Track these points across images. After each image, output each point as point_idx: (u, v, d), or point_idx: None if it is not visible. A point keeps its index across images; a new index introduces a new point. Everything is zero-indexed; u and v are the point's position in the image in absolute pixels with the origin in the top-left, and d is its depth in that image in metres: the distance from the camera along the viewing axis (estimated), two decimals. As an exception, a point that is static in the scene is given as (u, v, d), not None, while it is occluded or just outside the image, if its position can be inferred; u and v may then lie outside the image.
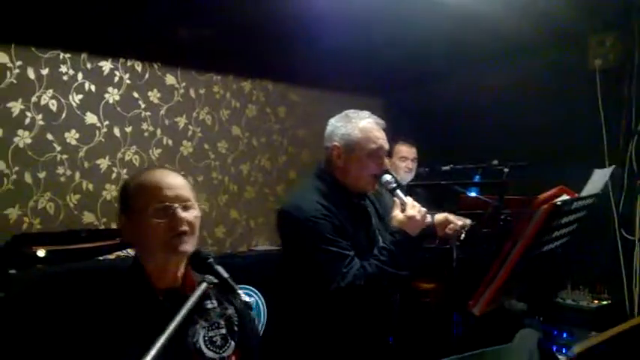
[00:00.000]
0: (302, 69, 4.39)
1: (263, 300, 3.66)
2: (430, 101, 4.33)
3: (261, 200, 4.42)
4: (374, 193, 2.28)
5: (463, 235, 3.11)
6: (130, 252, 3.18)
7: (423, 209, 2.00)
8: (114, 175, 3.63)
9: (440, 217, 2.24)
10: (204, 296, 1.57)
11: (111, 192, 3.58)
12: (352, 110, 2.16)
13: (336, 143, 2.08)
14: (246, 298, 1.39)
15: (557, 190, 1.62)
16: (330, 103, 4.70)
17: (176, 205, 1.49)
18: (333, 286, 1.86)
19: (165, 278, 1.53)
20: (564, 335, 3.31)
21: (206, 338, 1.55)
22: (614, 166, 1.88)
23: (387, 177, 2.07)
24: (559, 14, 3.35)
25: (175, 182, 1.54)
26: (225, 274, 1.42)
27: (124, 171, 3.67)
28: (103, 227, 3.52)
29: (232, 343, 1.60)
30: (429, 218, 2.04)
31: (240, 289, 3.51)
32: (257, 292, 3.63)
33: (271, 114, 4.53)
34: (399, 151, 3.81)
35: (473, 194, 3.57)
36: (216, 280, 1.42)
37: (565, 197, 1.62)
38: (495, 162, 3.43)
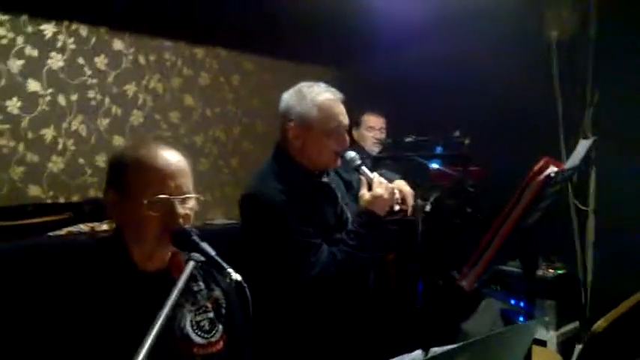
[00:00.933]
0: (256, 36, 4.24)
1: (221, 275, 3.56)
2: (388, 71, 4.28)
3: (215, 173, 4.27)
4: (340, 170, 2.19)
5: (428, 207, 3.14)
6: (83, 227, 3.02)
7: (391, 185, 1.94)
8: (60, 147, 3.39)
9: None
10: (190, 278, 1.47)
11: (57, 164, 3.36)
12: (306, 84, 2.02)
13: (291, 123, 1.96)
14: (237, 277, 1.29)
15: (545, 162, 1.60)
16: (285, 72, 4.59)
17: (175, 199, 1.38)
18: (304, 277, 1.80)
19: (151, 260, 1.43)
20: (522, 304, 3.40)
21: (193, 323, 1.46)
22: (595, 137, 1.88)
23: (351, 154, 1.99)
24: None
25: (178, 168, 1.42)
26: (212, 252, 1.32)
27: (71, 142, 3.44)
28: (50, 201, 3.30)
29: (220, 327, 1.51)
30: (397, 194, 1.96)
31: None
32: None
33: (225, 83, 4.36)
34: (366, 120, 3.75)
35: (435, 166, 3.58)
36: (203, 259, 1.31)
37: (554, 169, 1.61)
38: (457, 133, 3.43)
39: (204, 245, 1.33)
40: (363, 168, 1.98)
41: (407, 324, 3.13)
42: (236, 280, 1.30)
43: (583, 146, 1.78)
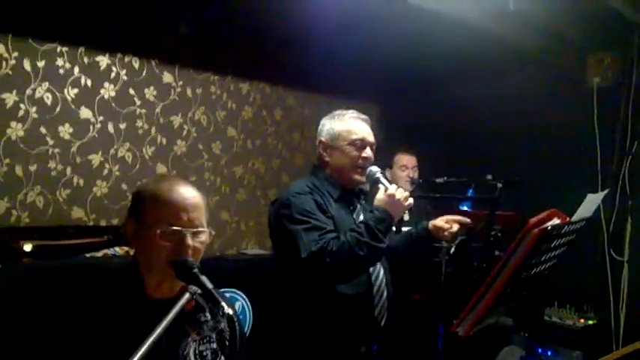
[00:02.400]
0: (300, 72, 4.39)
1: (249, 304, 3.64)
2: (427, 111, 4.33)
3: (252, 203, 4.40)
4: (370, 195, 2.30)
5: (453, 249, 3.13)
6: (118, 250, 3.17)
7: (406, 192, 2.06)
8: (105, 172, 3.59)
9: (439, 220, 2.34)
10: (198, 308, 1.56)
11: (101, 188, 3.55)
12: (340, 109, 2.27)
13: (322, 138, 2.20)
14: (230, 311, 1.37)
15: (549, 214, 1.62)
16: (326, 107, 4.68)
17: (187, 231, 1.46)
18: (305, 253, 1.91)
19: (160, 289, 1.50)
20: (549, 353, 3.31)
21: (197, 352, 1.53)
22: (607, 190, 1.87)
23: (373, 168, 2.15)
24: (560, 31, 3.37)
25: (191, 201, 1.49)
26: (210, 285, 1.39)
27: (116, 167, 3.64)
28: (92, 224, 3.48)
29: (222, 358, 1.57)
30: (410, 200, 2.07)
31: (227, 292, 3.50)
32: (243, 295, 3.60)
33: (267, 116, 4.51)
34: (399, 160, 3.80)
35: (465, 208, 3.58)
36: (200, 291, 1.39)
37: (556, 221, 1.62)
38: (489, 177, 3.40)
39: (204, 278, 1.40)
40: (383, 179, 2.11)
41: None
42: (228, 314, 1.37)
43: (592, 199, 1.78)
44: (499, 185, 3.35)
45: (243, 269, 3.71)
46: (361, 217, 2.20)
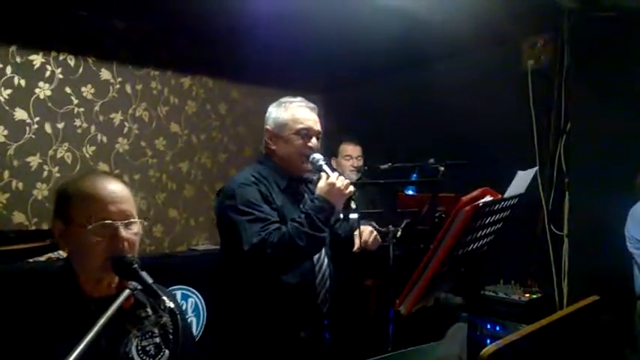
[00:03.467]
0: (242, 65, 4.36)
1: (203, 301, 3.62)
2: (370, 100, 4.38)
3: (201, 198, 4.36)
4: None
5: (399, 233, 3.19)
6: (62, 253, 3.09)
7: (347, 180, 2.08)
8: (45, 174, 3.50)
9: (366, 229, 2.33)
10: (138, 304, 1.54)
11: (42, 191, 3.46)
12: (287, 97, 2.25)
13: (268, 127, 2.19)
14: (171, 304, 1.36)
15: (481, 192, 1.67)
16: (271, 99, 4.67)
17: (118, 223, 1.43)
18: (247, 245, 1.92)
19: (98, 287, 1.47)
20: (497, 328, 3.42)
21: (139, 348, 1.51)
22: (536, 167, 1.94)
23: (316, 155, 2.14)
24: (494, 17, 3.44)
25: (119, 194, 1.47)
26: (150, 280, 1.38)
27: (56, 169, 3.54)
28: (33, 228, 3.39)
29: (166, 352, 1.56)
30: (351, 188, 2.08)
31: (178, 289, 3.47)
32: (196, 292, 3.58)
33: (211, 111, 4.47)
34: (343, 149, 3.84)
35: (410, 192, 3.65)
36: (140, 287, 1.38)
37: (488, 198, 1.67)
38: (432, 160, 3.48)
39: (144, 274, 1.39)
40: (325, 167, 2.11)
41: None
42: (169, 308, 1.36)
43: (522, 176, 1.84)
44: (441, 168, 3.44)
45: (194, 266, 3.69)
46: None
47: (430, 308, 3.37)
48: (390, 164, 3.61)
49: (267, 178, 2.12)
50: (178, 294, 3.48)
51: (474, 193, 1.63)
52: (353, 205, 3.20)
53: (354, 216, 2.71)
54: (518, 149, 3.73)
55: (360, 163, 3.80)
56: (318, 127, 2.21)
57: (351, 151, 3.78)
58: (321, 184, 2.04)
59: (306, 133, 2.14)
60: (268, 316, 2.06)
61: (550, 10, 3.51)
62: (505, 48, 3.90)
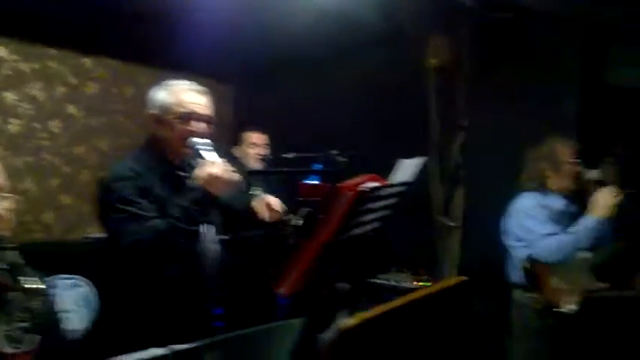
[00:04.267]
0: (153, 50, 4.19)
1: (95, 290, 3.46)
2: (278, 91, 4.37)
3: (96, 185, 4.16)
4: None
5: (301, 222, 3.21)
6: None
7: (230, 168, 1.97)
8: None
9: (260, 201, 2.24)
10: (3, 287, 1.45)
11: None
12: (174, 80, 2.12)
13: (151, 111, 2.06)
14: (37, 286, 1.29)
15: (367, 178, 1.70)
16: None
17: None
18: (123, 245, 1.85)
19: None
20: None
21: (4, 333, 1.42)
22: (424, 157, 2.01)
23: (196, 139, 2.02)
24: (400, 14, 3.53)
25: None
26: (20, 261, 1.31)
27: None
28: None
29: (36, 336, 1.48)
30: (236, 177, 1.98)
31: (67, 279, 3.30)
32: (88, 281, 3.43)
33: (117, 94, 4.29)
34: (248, 137, 3.79)
35: (314, 182, 3.68)
36: (6, 267, 1.30)
37: (373, 184, 1.71)
38: (335, 151, 3.53)
39: (10, 254, 1.31)
40: (204, 152, 2.00)
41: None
42: (37, 288, 1.29)
43: (407, 165, 1.90)
44: (344, 159, 3.50)
45: (87, 255, 3.53)
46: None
47: (324, 295, 3.44)
48: (294, 154, 3.63)
49: (148, 166, 2.00)
50: (68, 283, 3.32)
51: (359, 179, 1.66)
52: (257, 192, 3.15)
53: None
54: (419, 143, 3.83)
55: (266, 151, 3.77)
56: (206, 111, 2.07)
57: (257, 139, 3.74)
58: (199, 172, 1.93)
59: (191, 117, 2.02)
60: (155, 307, 1.99)
61: (451, 10, 3.64)
62: (409, 44, 3.99)
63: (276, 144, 3.87)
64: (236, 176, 1.96)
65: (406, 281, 3.62)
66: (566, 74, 3.34)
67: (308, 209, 3.17)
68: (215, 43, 4.07)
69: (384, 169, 3.43)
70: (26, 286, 1.27)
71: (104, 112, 4.22)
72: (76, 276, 3.35)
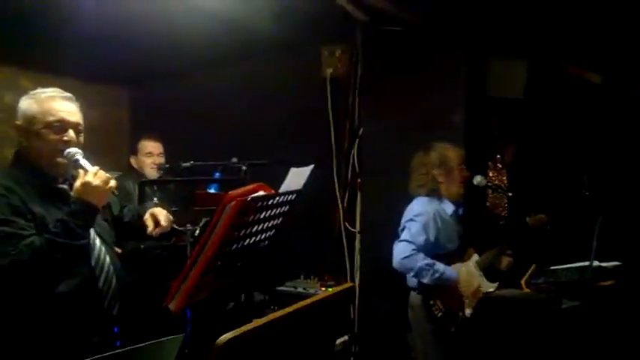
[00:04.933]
0: (37, 51, 3.97)
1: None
2: (174, 97, 4.30)
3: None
4: None
5: (198, 232, 3.17)
6: None
7: (108, 175, 1.94)
8: None
9: (148, 214, 2.21)
10: None
11: None
12: (39, 88, 2.05)
13: (17, 122, 1.98)
14: None
15: (254, 187, 1.72)
16: (70, 91, 4.35)
17: None
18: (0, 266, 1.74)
19: None
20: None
21: None
22: (312, 165, 2.05)
23: (72, 149, 1.96)
24: (296, 24, 3.58)
25: None
26: None
27: None
28: None
29: None
30: (112, 183, 1.94)
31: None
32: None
33: (-4, 100, 4.03)
34: (144, 146, 3.72)
35: (212, 190, 3.64)
36: None
37: (261, 193, 1.72)
38: (235, 160, 3.52)
39: None
40: (83, 162, 1.95)
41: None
42: None
43: (296, 173, 1.94)
44: (244, 167, 3.50)
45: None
46: None
47: (234, 307, 3.42)
48: (192, 162, 3.58)
49: (21, 182, 1.90)
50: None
51: (246, 188, 1.67)
52: (155, 200, 3.06)
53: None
54: (318, 151, 3.92)
55: (162, 160, 3.71)
56: (74, 118, 2.00)
57: (152, 148, 3.68)
58: (77, 184, 1.88)
59: (60, 126, 1.94)
60: (47, 328, 1.89)
61: (345, 22, 3.74)
62: (308, 54, 4.07)
63: (175, 152, 3.81)
64: (113, 182, 1.92)
65: (313, 288, 3.68)
66: (452, 85, 3.53)
67: (207, 219, 3.13)
68: (106, 46, 3.93)
69: (285, 177, 3.47)
70: None
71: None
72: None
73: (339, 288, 1.53)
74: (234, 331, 1.06)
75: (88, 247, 1.98)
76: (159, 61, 4.22)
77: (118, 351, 1.01)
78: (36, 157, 1.95)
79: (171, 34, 3.65)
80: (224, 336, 1.05)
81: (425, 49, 3.58)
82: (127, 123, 4.70)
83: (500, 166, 4.05)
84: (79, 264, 1.94)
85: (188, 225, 3.05)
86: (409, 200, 3.19)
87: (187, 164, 3.55)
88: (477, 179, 3.17)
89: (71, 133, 1.97)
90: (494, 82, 3.79)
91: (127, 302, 2.25)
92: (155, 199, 3.46)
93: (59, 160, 1.95)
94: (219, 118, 4.14)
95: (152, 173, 3.63)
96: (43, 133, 1.92)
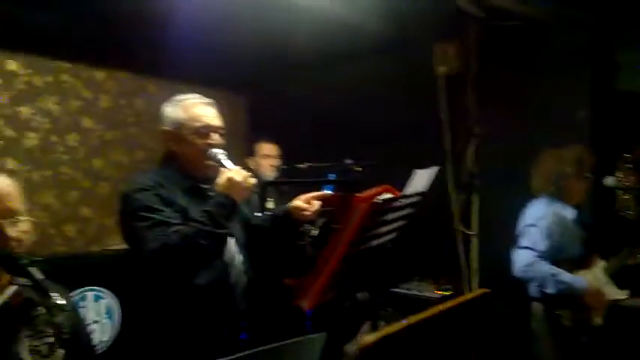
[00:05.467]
0: (162, 61, 4.25)
1: (117, 302, 3.52)
2: (290, 100, 4.41)
3: (116, 197, 4.22)
4: None
5: (316, 232, 3.23)
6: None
7: (247, 173, 2.02)
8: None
9: (297, 200, 2.28)
10: (30, 303, 1.49)
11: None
12: (181, 95, 2.15)
13: (165, 128, 2.09)
14: (61, 301, 1.33)
15: (381, 189, 1.73)
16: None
17: (3, 221, 1.39)
18: (148, 252, 1.86)
19: None
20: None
21: (30, 348, 1.46)
22: (437, 167, 2.02)
23: (215, 149, 2.08)
24: (407, 22, 3.56)
25: (4, 192, 1.44)
26: (40, 276, 1.34)
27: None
28: None
29: (61, 351, 1.51)
30: (252, 180, 2.03)
31: (90, 290, 3.36)
32: (110, 293, 3.48)
33: (126, 106, 4.35)
34: (261, 148, 3.84)
35: (327, 192, 3.70)
36: (28, 283, 1.33)
37: (387, 195, 1.73)
38: (349, 161, 3.56)
39: (33, 270, 1.35)
40: (224, 161, 2.05)
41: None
42: (60, 305, 1.32)
43: (421, 175, 1.92)
44: (358, 169, 3.52)
45: (108, 266, 3.58)
46: None
47: (346, 306, 3.46)
48: (308, 164, 3.66)
49: (170, 181, 2.04)
50: (91, 295, 3.38)
51: (373, 191, 1.68)
52: (271, 205, 3.18)
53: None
54: (431, 151, 3.86)
55: (278, 162, 3.82)
56: (217, 122, 2.13)
57: (269, 150, 3.79)
58: (221, 179, 1.99)
59: (206, 131, 2.07)
60: (184, 318, 2.02)
61: (459, 18, 3.66)
62: (419, 52, 4.02)
63: (289, 154, 3.91)
64: (253, 180, 2.01)
65: (428, 290, 3.62)
66: (577, 80, 3.34)
67: (324, 219, 3.19)
68: (222, 53, 4.13)
69: (398, 178, 3.46)
70: (56, 302, 1.30)
71: (118, 125, 4.28)
72: (98, 288, 3.41)
73: (473, 294, 1.50)
74: (373, 335, 1.07)
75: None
76: (274, 65, 4.36)
77: (267, 347, 1.05)
78: (184, 160, 2.09)
79: (286, 37, 3.75)
80: (363, 339, 1.06)
81: (545, 43, 3.42)
82: (244, 125, 4.89)
83: (631, 165, 3.77)
84: (218, 256, 2.05)
85: (306, 225, 3.12)
86: (528, 202, 3.06)
87: (303, 166, 3.64)
88: (608, 180, 2.98)
89: (215, 136, 2.09)
90: (624, 74, 3.54)
91: (254, 298, 2.36)
92: (271, 199, 3.57)
93: (206, 162, 2.07)
94: (332, 119, 4.19)
95: (268, 175, 3.75)
96: (190, 138, 2.05)
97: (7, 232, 1.39)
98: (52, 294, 1.32)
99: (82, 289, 3.34)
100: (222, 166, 2.02)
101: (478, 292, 1.52)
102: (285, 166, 3.78)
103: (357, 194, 1.61)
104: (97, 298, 3.44)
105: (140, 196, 1.94)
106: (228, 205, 1.95)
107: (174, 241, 1.86)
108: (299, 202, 2.30)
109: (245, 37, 3.81)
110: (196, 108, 2.09)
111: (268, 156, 3.78)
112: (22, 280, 1.34)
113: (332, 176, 3.63)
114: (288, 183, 3.69)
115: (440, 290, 3.70)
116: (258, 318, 2.48)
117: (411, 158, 3.71)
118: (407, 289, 3.78)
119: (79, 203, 4.01)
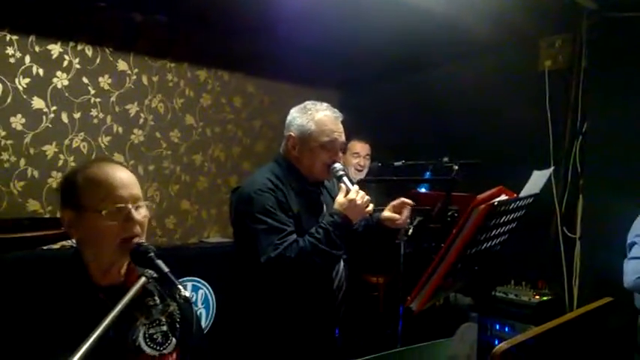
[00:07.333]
0: (259, 60, 4.36)
1: (212, 292, 3.64)
2: (384, 97, 4.37)
3: (213, 191, 4.39)
4: (330, 184, 2.33)
5: (411, 231, 3.18)
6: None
7: (367, 197, 2.04)
8: (60, 163, 3.53)
9: (387, 211, 2.26)
10: (146, 293, 1.55)
11: (57, 179, 3.49)
12: (312, 102, 2.19)
13: (291, 133, 2.13)
14: (186, 293, 1.37)
15: (496, 191, 1.67)
16: (287, 95, 4.71)
17: (130, 205, 1.46)
18: (264, 257, 1.90)
19: (108, 275, 1.49)
20: (506, 329, 3.41)
21: (146, 335, 1.52)
22: (553, 167, 1.92)
23: (337, 165, 2.12)
24: (512, 16, 3.42)
25: (127, 179, 1.49)
26: (166, 269, 1.39)
27: (72, 158, 3.58)
28: (48, 216, 3.42)
29: (173, 340, 1.57)
30: (370, 207, 2.05)
31: (189, 281, 3.50)
32: (206, 284, 3.60)
33: (226, 104, 4.49)
34: (352, 147, 3.83)
35: (423, 190, 3.64)
36: (155, 275, 1.39)
37: (503, 197, 1.67)
38: (446, 159, 3.46)
39: (159, 262, 1.40)
40: (345, 178, 2.09)
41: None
42: (184, 297, 1.37)
43: (538, 176, 1.84)
44: (455, 167, 3.42)
45: (205, 258, 3.71)
46: (325, 209, 2.19)
47: (440, 307, 3.38)
48: (403, 162, 3.60)
49: (284, 181, 2.08)
50: (189, 285, 3.51)
51: (490, 192, 1.62)
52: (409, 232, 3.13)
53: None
54: (533, 149, 3.71)
55: (367, 162, 3.79)
56: (343, 137, 2.16)
57: (360, 148, 3.77)
58: (340, 198, 2.01)
59: (332, 146, 2.10)
60: (285, 317, 2.06)
61: (568, 10, 3.48)
62: (522, 47, 3.87)
63: (385, 152, 3.88)
64: (371, 207, 2.03)
65: (526, 295, 3.49)
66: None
67: (419, 218, 3.14)
68: (317, 52, 4.15)
69: (498, 177, 3.34)
70: (181, 293, 1.35)
71: (217, 122, 4.42)
72: (196, 278, 3.54)
73: (598, 302, 1.41)
74: (508, 342, 1.03)
75: None
76: (367, 64, 4.34)
77: (399, 349, 1.04)
78: (302, 166, 2.14)
79: (381, 37, 3.71)
80: (499, 346, 1.02)
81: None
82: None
83: None
84: (329, 272, 2.09)
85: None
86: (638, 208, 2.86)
87: (399, 163, 3.59)
88: None
89: (340, 153, 2.15)
90: None
91: (347, 304, 2.36)
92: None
93: (325, 174, 2.13)
94: (431, 116, 4.11)
95: (356, 173, 3.74)
96: (316, 150, 2.09)
97: (133, 216, 1.45)
98: (179, 286, 1.36)
99: (183, 279, 3.48)
100: (342, 182, 2.05)
101: (603, 300, 1.43)
102: (379, 164, 3.75)
103: (477, 196, 1.56)
104: (195, 289, 3.57)
105: (260, 197, 1.99)
106: (344, 226, 1.97)
107: (291, 253, 1.90)
108: (389, 212, 2.27)
109: (339, 37, 3.81)
110: (327, 122, 2.11)
111: (358, 155, 3.77)
112: (150, 272, 1.39)
113: (427, 174, 3.56)
114: (385, 181, 3.65)
115: (539, 295, 3.56)
116: (349, 314, 2.48)
117: (510, 157, 3.62)
118: (503, 292, 3.66)
119: (179, 196, 4.18)
